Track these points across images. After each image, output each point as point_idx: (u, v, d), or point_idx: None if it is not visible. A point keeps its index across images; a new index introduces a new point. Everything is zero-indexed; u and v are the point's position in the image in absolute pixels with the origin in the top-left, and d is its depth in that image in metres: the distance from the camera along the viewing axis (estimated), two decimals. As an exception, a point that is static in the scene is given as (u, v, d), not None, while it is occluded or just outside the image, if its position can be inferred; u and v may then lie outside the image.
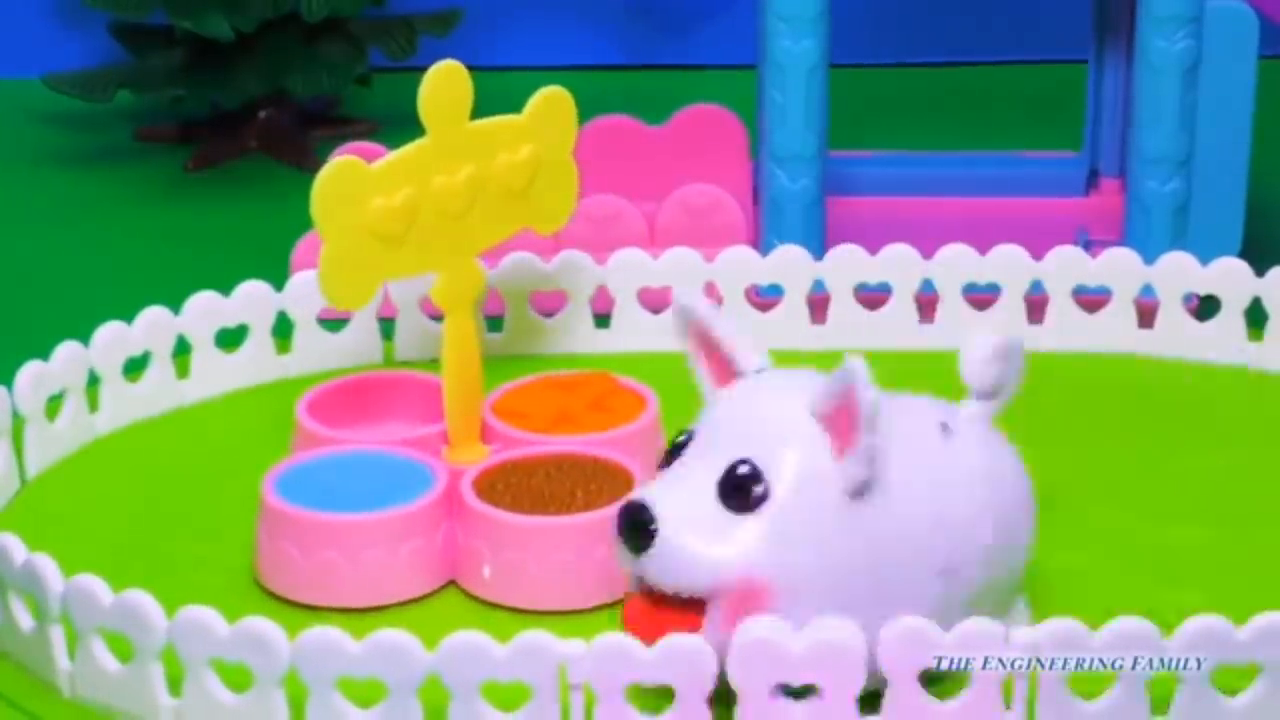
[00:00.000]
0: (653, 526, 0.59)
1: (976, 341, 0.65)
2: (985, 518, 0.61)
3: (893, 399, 0.60)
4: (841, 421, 0.59)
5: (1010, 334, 0.66)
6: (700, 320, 0.65)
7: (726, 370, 0.64)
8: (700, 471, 0.59)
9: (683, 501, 0.59)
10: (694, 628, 0.58)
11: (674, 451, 0.61)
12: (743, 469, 0.59)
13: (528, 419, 0.73)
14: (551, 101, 0.75)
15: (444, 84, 0.71)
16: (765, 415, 0.60)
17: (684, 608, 0.59)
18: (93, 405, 0.78)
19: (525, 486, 0.69)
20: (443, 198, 0.71)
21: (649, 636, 0.57)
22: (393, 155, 0.70)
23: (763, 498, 0.59)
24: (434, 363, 0.76)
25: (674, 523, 0.59)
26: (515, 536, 0.66)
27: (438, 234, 0.71)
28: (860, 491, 0.59)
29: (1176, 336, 0.84)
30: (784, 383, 0.62)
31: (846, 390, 0.58)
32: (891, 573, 0.59)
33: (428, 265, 0.72)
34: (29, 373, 0.74)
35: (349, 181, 0.68)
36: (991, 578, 0.62)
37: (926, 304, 0.85)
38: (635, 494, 0.60)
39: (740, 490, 0.59)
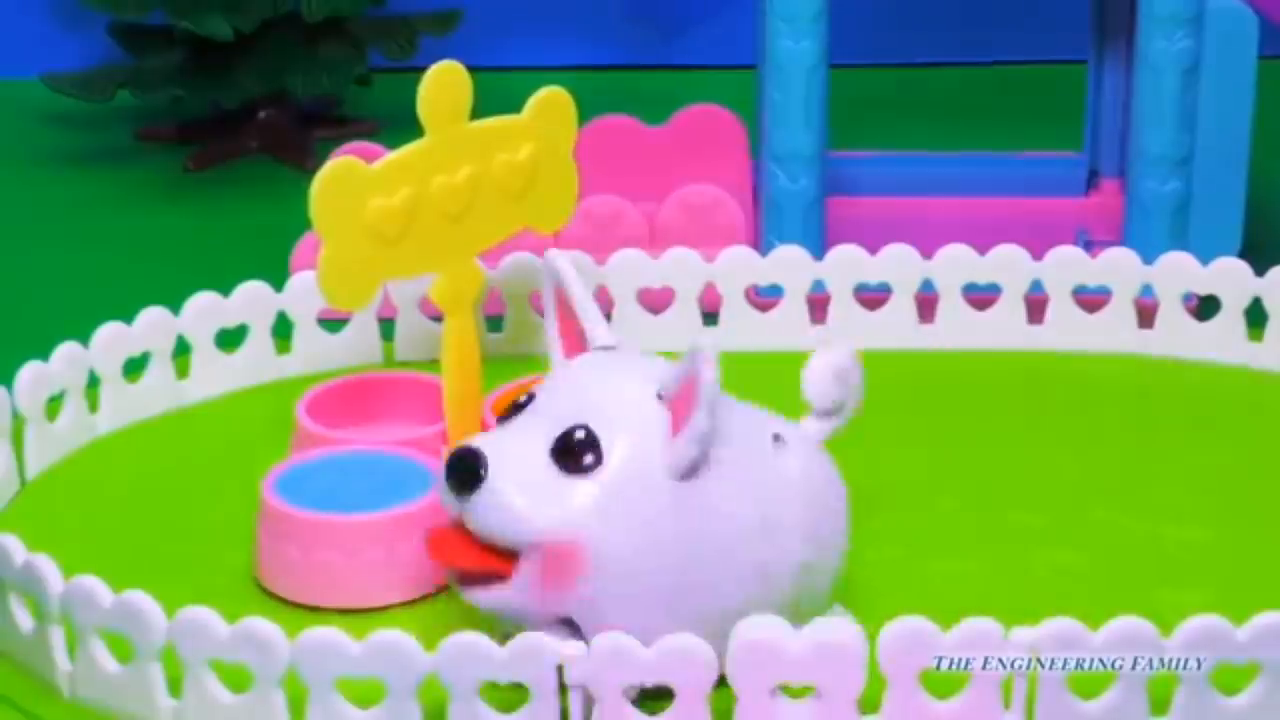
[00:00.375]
0: (481, 472, 0.59)
1: (816, 359, 0.66)
2: (801, 531, 0.62)
3: (736, 404, 0.61)
4: (682, 403, 0.59)
5: (848, 351, 0.66)
6: (564, 285, 0.66)
7: (577, 341, 0.65)
8: (537, 431, 0.60)
9: (515, 455, 0.60)
10: (498, 575, 0.59)
11: (514, 410, 0.62)
12: (579, 434, 0.60)
13: None
14: (551, 101, 0.75)
15: (443, 84, 0.71)
16: (610, 388, 0.61)
17: (497, 555, 0.60)
18: (93, 405, 0.78)
19: None
20: (442, 198, 0.71)
21: (449, 562, 0.59)
22: (392, 155, 0.70)
23: (594, 465, 0.59)
24: (434, 363, 0.76)
25: (503, 473, 0.59)
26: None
27: (437, 234, 0.71)
28: (688, 473, 0.59)
29: (1176, 336, 0.84)
30: (633, 362, 0.62)
31: (692, 371, 0.59)
32: (709, 564, 0.60)
33: (427, 265, 0.71)
34: (29, 373, 0.74)
35: (348, 182, 0.68)
36: (803, 588, 0.62)
37: (926, 304, 0.85)
38: (468, 441, 0.60)
39: (573, 455, 0.59)
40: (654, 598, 0.59)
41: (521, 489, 0.59)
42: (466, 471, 0.59)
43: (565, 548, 0.59)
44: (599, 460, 0.59)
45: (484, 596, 0.60)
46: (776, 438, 0.62)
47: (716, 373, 0.58)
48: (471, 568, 0.60)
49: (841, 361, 0.66)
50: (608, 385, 0.61)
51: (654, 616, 0.59)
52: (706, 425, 0.59)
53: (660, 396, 0.60)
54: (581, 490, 0.59)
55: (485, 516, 0.59)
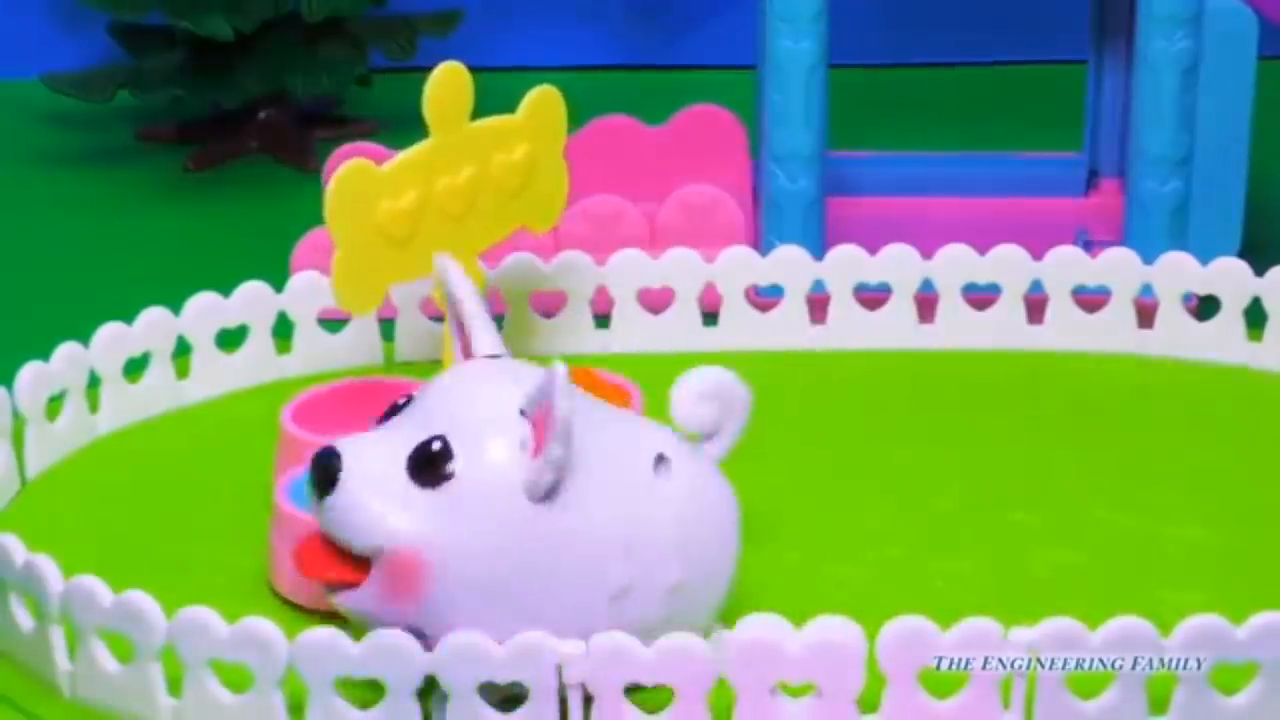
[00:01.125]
0: (337, 475, 0.59)
1: (682, 380, 0.64)
2: (678, 556, 0.60)
3: (619, 419, 0.61)
4: (541, 425, 0.58)
5: (719, 371, 0.64)
6: (450, 291, 0.66)
7: (468, 348, 0.65)
8: (401, 438, 0.60)
9: (374, 460, 0.59)
10: (353, 584, 0.59)
11: (390, 412, 0.61)
12: (436, 445, 0.59)
13: None
14: (544, 100, 0.75)
15: (448, 85, 0.71)
16: (476, 400, 0.60)
17: (353, 563, 0.59)
18: (93, 405, 0.78)
19: None
20: (446, 199, 0.71)
21: (312, 574, 0.59)
22: (400, 157, 0.70)
23: (446, 477, 0.59)
24: (434, 363, 0.76)
25: (358, 477, 0.59)
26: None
27: (441, 235, 0.71)
28: (544, 496, 0.58)
29: (1176, 336, 0.85)
30: (506, 374, 0.61)
31: (545, 399, 0.58)
32: (566, 584, 0.59)
33: (432, 267, 0.72)
34: (29, 373, 0.74)
35: (360, 185, 0.68)
36: (675, 610, 0.60)
37: (926, 304, 0.85)
38: (332, 441, 0.60)
39: (428, 465, 0.59)
40: (504, 614, 0.58)
41: (373, 495, 0.59)
42: (323, 473, 0.59)
43: (409, 558, 0.58)
44: (452, 473, 0.59)
45: (341, 600, 0.60)
46: (660, 458, 0.61)
47: (570, 398, 0.57)
48: (327, 578, 0.60)
49: (709, 382, 0.64)
50: (474, 397, 0.60)
51: (503, 633, 0.58)
52: (561, 453, 0.58)
53: (523, 413, 0.59)
54: (429, 502, 0.59)
55: (335, 520, 0.59)
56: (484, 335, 0.65)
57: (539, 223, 0.76)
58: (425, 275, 0.72)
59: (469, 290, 0.66)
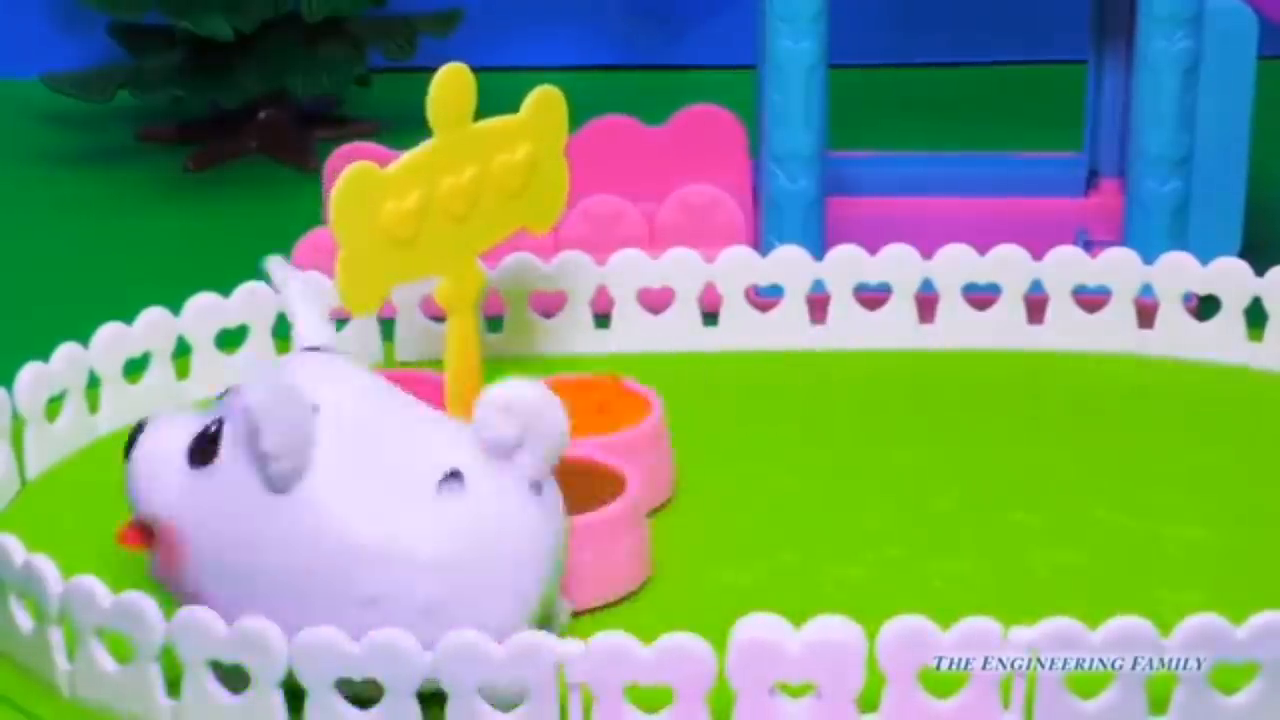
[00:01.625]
0: (136, 441, 0.62)
1: (491, 390, 0.62)
2: (440, 577, 0.60)
3: (434, 429, 0.62)
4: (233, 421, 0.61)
5: (526, 384, 0.62)
6: (274, 286, 0.68)
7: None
8: (204, 419, 0.62)
9: (169, 436, 0.62)
10: (144, 548, 0.63)
11: (225, 393, 0.63)
12: (212, 428, 0.61)
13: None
14: (546, 100, 0.75)
15: (451, 86, 0.71)
16: (253, 389, 0.61)
17: (145, 531, 0.62)
18: (93, 405, 0.78)
19: None
20: (449, 199, 0.71)
21: (120, 538, 0.63)
22: (404, 158, 0.70)
23: (209, 458, 0.61)
24: (434, 363, 0.76)
25: (147, 450, 0.62)
26: None
27: (444, 236, 0.71)
28: (276, 490, 0.60)
29: (1176, 336, 0.85)
30: (301, 368, 0.63)
31: (234, 397, 0.61)
32: (300, 582, 0.60)
33: (435, 267, 0.72)
34: (29, 373, 0.74)
35: (365, 187, 0.68)
36: (433, 632, 0.59)
37: (926, 304, 0.85)
38: (157, 414, 0.63)
39: (200, 447, 0.61)
40: (254, 600, 0.60)
41: (155, 468, 0.62)
42: (127, 442, 0.63)
43: (168, 531, 0.61)
44: (213, 455, 0.61)
45: (151, 566, 0.63)
46: (452, 475, 0.60)
47: (275, 396, 0.59)
48: (124, 539, 0.63)
49: (511, 396, 0.62)
50: (254, 385, 0.61)
51: (286, 619, 0.59)
52: (269, 449, 0.59)
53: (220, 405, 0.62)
54: (194, 482, 0.61)
55: (127, 486, 0.62)
56: (304, 327, 0.66)
57: (539, 223, 0.76)
58: (429, 275, 0.72)
59: (291, 281, 0.68)
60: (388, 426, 0.61)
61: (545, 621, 0.62)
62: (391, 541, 0.59)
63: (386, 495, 0.60)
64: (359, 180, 0.68)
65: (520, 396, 0.61)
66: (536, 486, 0.61)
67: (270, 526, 0.60)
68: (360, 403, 0.62)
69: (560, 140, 0.76)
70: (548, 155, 0.75)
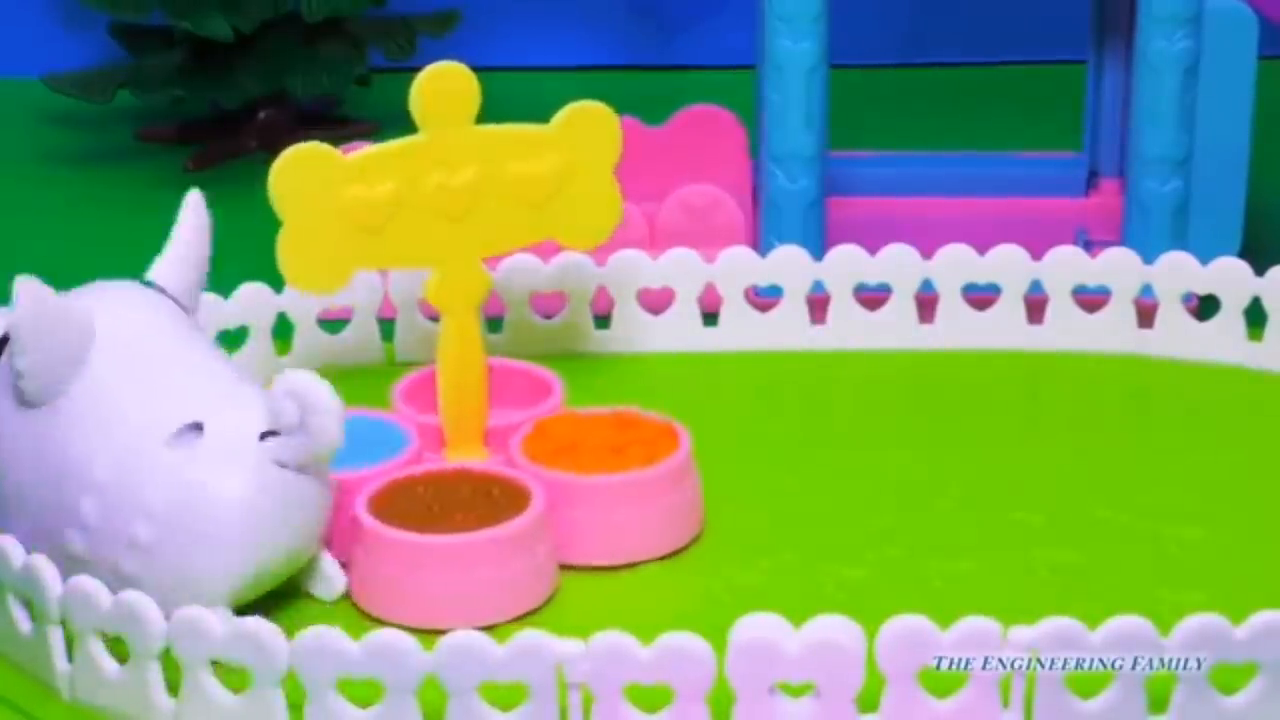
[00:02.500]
0: None
1: (285, 374, 0.63)
2: (152, 519, 0.62)
3: (208, 382, 0.64)
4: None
5: (315, 381, 0.63)
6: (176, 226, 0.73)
7: None
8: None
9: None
10: None
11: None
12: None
13: (577, 451, 0.71)
14: (585, 115, 0.74)
15: (439, 85, 0.71)
16: (23, 304, 0.65)
17: None
18: (92, 406, 0.78)
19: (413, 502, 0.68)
20: (439, 197, 0.71)
21: None
22: (375, 147, 0.71)
23: None
24: (434, 363, 0.76)
25: None
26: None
27: (432, 232, 0.71)
28: (22, 401, 0.64)
29: (1176, 336, 0.84)
30: (102, 295, 0.69)
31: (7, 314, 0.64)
32: (32, 492, 0.64)
33: (417, 260, 0.72)
34: (28, 373, 0.74)
35: (313, 167, 0.69)
36: (147, 575, 0.62)
37: (926, 304, 0.85)
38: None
39: None
40: (8, 505, 0.65)
41: None
42: None
43: None
44: None
45: None
46: (192, 427, 0.63)
47: (35, 321, 0.64)
48: None
49: (296, 383, 0.63)
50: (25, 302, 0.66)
51: (20, 530, 0.64)
52: (21, 365, 0.63)
53: None
54: None
55: None
56: (157, 261, 0.71)
57: (578, 239, 0.75)
58: (407, 266, 0.75)
59: (190, 218, 0.73)
60: (158, 368, 0.64)
61: (272, 585, 0.64)
62: (116, 477, 0.62)
63: (126, 433, 0.63)
64: (304, 159, 0.69)
65: (304, 387, 0.63)
66: (287, 467, 0.63)
67: (21, 434, 0.64)
68: (144, 340, 0.65)
69: (608, 158, 0.75)
70: (590, 172, 0.74)
